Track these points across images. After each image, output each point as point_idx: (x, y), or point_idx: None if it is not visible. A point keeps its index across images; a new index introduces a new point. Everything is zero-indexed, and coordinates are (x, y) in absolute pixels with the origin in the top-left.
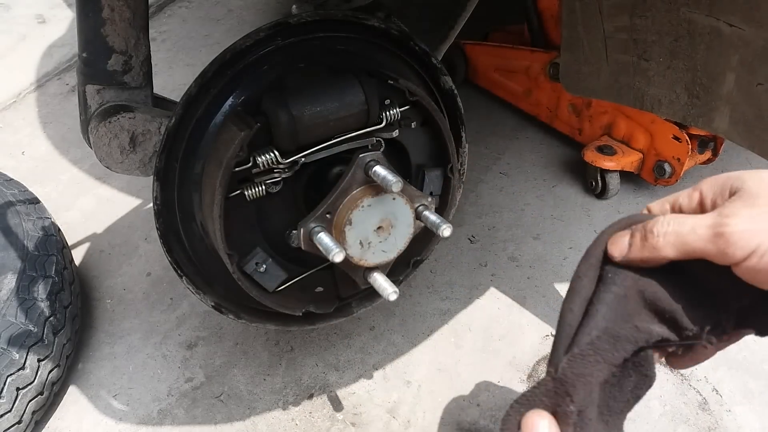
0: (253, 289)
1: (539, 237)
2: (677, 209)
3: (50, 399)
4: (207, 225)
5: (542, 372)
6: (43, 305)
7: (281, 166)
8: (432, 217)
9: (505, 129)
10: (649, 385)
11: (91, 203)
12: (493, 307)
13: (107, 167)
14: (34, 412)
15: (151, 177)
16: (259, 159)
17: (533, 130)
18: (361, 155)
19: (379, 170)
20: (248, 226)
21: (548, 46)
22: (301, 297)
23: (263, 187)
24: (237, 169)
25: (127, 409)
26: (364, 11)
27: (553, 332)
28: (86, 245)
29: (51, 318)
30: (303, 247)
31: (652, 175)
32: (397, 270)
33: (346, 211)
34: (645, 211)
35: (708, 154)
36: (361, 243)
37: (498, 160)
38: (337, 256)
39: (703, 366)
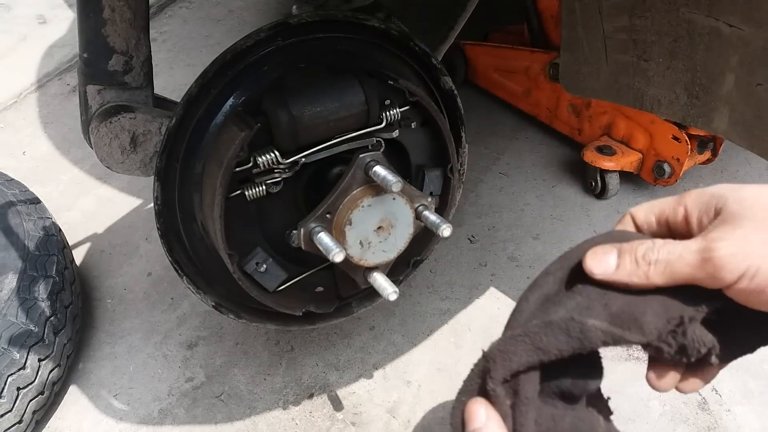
0: (254, 289)
1: (539, 237)
2: (663, 222)
3: (51, 399)
4: (207, 225)
5: None
6: (44, 305)
7: (281, 166)
8: (432, 217)
9: (505, 129)
10: (599, 378)
11: (92, 203)
12: (493, 307)
13: (108, 167)
14: (34, 412)
15: (152, 177)
16: (260, 159)
17: (533, 130)
18: (361, 155)
19: (379, 170)
20: (248, 226)
21: (548, 47)
22: (302, 297)
23: (264, 187)
24: (237, 169)
25: (127, 408)
26: (364, 12)
27: None
28: (87, 245)
29: (52, 318)
30: (303, 247)
31: (651, 176)
32: (397, 270)
33: (346, 211)
34: (628, 217)
35: (707, 155)
36: (361, 243)
37: (498, 160)
38: (337, 256)
39: None
